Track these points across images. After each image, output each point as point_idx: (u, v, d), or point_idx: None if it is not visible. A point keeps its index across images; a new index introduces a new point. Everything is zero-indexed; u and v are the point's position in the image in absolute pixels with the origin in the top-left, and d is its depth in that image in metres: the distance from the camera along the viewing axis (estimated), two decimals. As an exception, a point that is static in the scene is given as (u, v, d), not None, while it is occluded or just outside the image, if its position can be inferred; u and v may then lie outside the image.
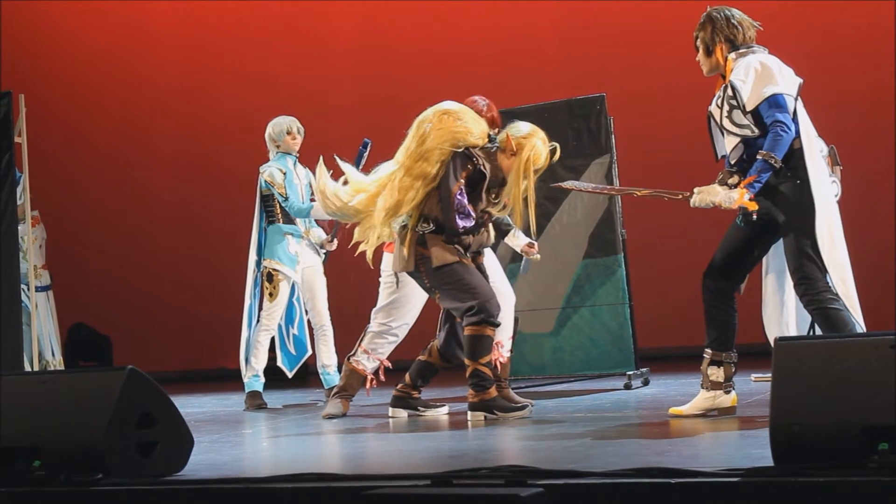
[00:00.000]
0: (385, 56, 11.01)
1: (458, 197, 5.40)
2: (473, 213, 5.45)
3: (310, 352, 7.50)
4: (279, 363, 7.41)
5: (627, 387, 6.79)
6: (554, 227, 7.15)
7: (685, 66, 5.16)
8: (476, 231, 5.51)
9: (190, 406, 7.40)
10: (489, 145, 5.53)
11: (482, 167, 5.45)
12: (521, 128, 5.54)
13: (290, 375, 7.47)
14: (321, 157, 5.63)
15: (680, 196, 4.92)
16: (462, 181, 5.41)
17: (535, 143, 5.48)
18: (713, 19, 5.00)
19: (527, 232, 5.88)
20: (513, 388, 6.08)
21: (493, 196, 5.53)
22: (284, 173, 7.10)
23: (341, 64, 11.24)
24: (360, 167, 6.37)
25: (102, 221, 11.67)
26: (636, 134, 9.19)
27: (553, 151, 5.55)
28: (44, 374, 5.87)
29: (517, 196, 5.44)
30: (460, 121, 5.47)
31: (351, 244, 5.75)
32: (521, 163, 5.44)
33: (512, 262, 7.12)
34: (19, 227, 7.67)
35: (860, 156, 8.32)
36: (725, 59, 4.96)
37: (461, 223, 5.41)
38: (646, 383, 6.97)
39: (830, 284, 4.73)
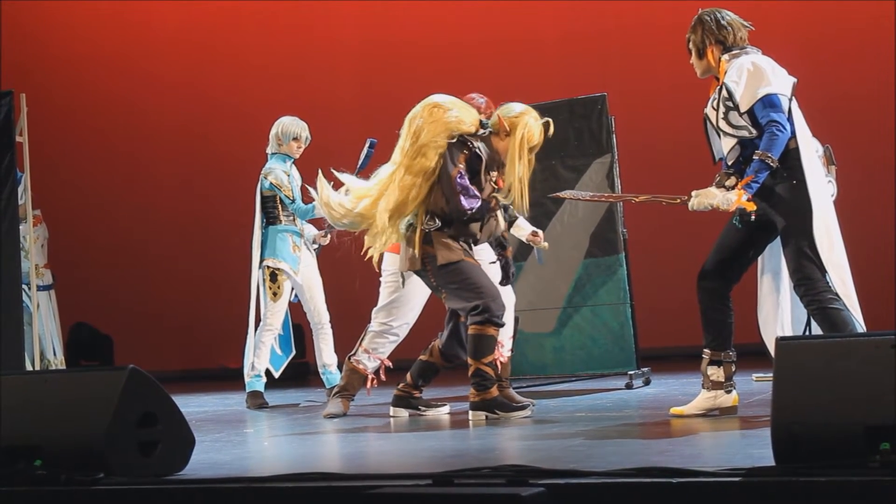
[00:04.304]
0: (387, 53, 11.02)
1: (459, 180, 5.38)
2: (478, 193, 5.43)
3: (294, 352, 7.54)
4: (267, 363, 7.41)
5: (629, 386, 6.79)
6: (555, 227, 7.15)
7: (687, 65, 5.15)
8: (483, 215, 5.48)
9: (191, 405, 7.40)
10: (482, 131, 5.52)
11: (478, 150, 5.44)
12: (513, 108, 5.53)
13: (276, 375, 7.47)
14: (320, 171, 5.61)
15: (678, 200, 4.91)
16: (461, 166, 5.40)
17: (527, 122, 5.47)
18: (703, 22, 5.01)
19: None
20: (514, 388, 6.08)
21: (493, 179, 5.52)
22: (288, 175, 7.13)
23: (343, 60, 11.25)
24: (365, 167, 6.36)
25: (104, 221, 11.67)
26: (638, 133, 9.18)
27: (546, 126, 5.52)
28: (45, 374, 5.89)
29: (516, 177, 5.43)
30: (451, 111, 5.46)
31: (362, 252, 5.73)
32: (515, 142, 5.44)
33: (515, 261, 7.11)
34: (21, 227, 7.66)
35: (856, 155, 8.32)
36: (718, 61, 4.96)
37: (467, 204, 5.37)
38: (647, 383, 6.97)
39: (830, 284, 4.72)
